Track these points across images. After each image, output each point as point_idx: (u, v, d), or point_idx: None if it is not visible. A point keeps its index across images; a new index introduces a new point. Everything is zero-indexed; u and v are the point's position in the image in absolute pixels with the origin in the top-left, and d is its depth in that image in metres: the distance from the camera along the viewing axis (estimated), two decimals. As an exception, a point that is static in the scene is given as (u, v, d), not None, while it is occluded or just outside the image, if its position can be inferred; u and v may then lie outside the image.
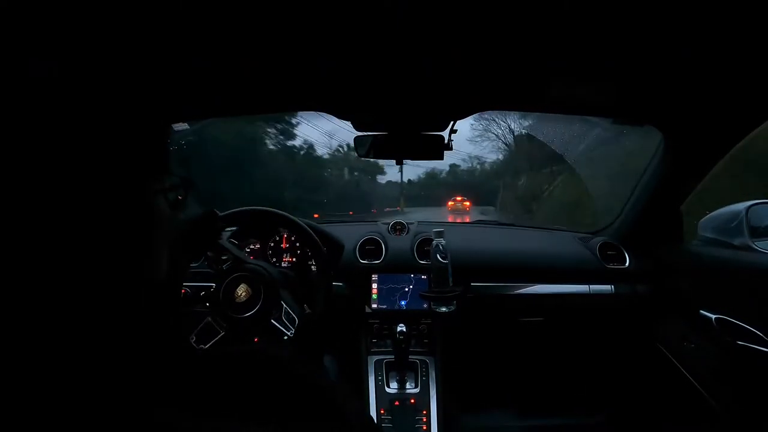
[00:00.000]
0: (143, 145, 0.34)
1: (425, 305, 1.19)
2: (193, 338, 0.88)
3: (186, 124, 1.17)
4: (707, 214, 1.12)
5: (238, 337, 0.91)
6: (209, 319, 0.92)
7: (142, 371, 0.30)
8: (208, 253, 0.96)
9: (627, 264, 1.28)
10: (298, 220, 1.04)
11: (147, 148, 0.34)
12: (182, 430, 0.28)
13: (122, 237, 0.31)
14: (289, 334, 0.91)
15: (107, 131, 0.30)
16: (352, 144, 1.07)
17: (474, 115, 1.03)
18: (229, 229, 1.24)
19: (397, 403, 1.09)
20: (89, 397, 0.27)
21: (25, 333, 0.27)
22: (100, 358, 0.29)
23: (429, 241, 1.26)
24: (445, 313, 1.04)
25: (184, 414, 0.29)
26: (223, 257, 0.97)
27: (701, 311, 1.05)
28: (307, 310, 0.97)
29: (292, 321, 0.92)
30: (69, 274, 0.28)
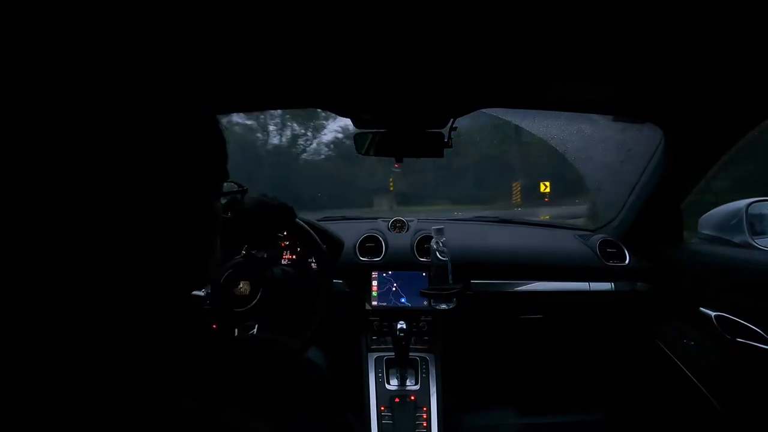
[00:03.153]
0: (209, 149, 0.34)
1: (425, 302, 1.20)
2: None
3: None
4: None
5: (267, 324, 0.93)
6: (237, 329, 0.93)
7: (170, 361, 0.31)
8: (280, 234, 1.05)
9: (627, 261, 1.28)
10: (298, 219, 1.04)
11: (212, 152, 0.35)
12: (203, 418, 0.29)
13: (185, 242, 0.32)
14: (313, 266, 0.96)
15: (160, 134, 0.30)
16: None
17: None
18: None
19: (397, 400, 1.10)
20: (123, 384, 0.28)
21: (77, 324, 0.28)
22: (138, 350, 0.30)
23: (429, 238, 1.26)
24: (445, 310, 1.05)
25: (203, 403, 0.30)
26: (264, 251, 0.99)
27: (701, 309, 1.06)
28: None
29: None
30: (127, 273, 0.29)
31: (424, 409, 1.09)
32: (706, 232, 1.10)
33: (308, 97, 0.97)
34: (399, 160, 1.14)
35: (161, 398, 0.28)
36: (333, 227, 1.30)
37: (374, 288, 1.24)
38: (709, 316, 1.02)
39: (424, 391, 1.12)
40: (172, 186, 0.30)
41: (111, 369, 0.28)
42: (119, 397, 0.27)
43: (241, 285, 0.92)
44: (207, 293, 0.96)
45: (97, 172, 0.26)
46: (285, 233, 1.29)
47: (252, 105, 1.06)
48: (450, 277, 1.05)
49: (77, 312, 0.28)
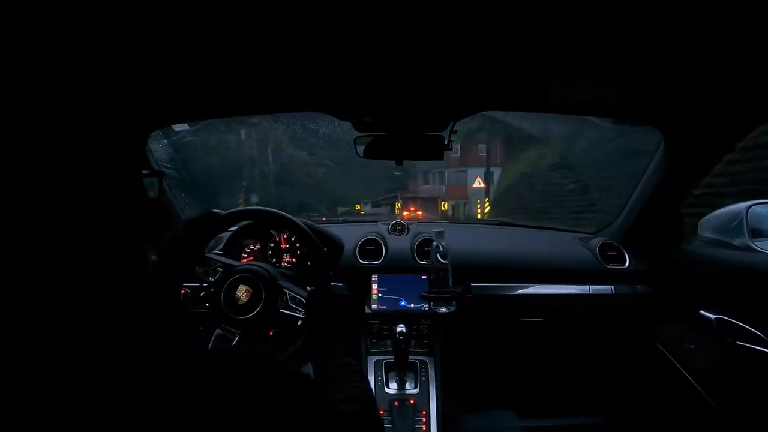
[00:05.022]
0: (126, 143, 0.35)
1: (425, 306, 1.19)
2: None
3: (186, 124, 1.17)
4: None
5: (250, 337, 0.91)
6: (219, 331, 0.92)
7: (142, 369, 0.31)
8: (197, 269, 0.95)
9: (627, 264, 1.28)
10: (297, 220, 1.04)
11: (130, 146, 0.35)
12: (201, 419, 0.29)
13: (108, 230, 0.32)
14: (300, 315, 0.91)
15: (94, 130, 0.30)
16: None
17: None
18: (230, 229, 1.24)
19: (396, 403, 1.09)
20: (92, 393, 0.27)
21: (27, 330, 0.27)
22: (99, 353, 0.30)
23: (429, 241, 1.26)
24: (445, 313, 1.04)
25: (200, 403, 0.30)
26: (215, 268, 0.96)
27: (701, 311, 1.05)
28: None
29: (299, 303, 0.92)
30: (61, 270, 0.28)
31: (424, 412, 1.08)
32: (706, 234, 1.10)
33: (309, 100, 0.97)
34: (399, 163, 1.14)
35: (160, 398, 0.28)
36: (333, 230, 1.30)
37: (374, 291, 1.24)
38: (710, 318, 1.02)
39: (424, 395, 1.11)
40: (91, 171, 0.31)
41: (95, 369, 0.28)
42: (117, 397, 0.27)
43: (241, 292, 0.91)
44: (206, 295, 0.95)
45: (20, 164, 0.26)
46: (285, 235, 1.29)
47: (252, 108, 1.06)
48: (450, 280, 1.05)
49: (58, 313, 0.27)
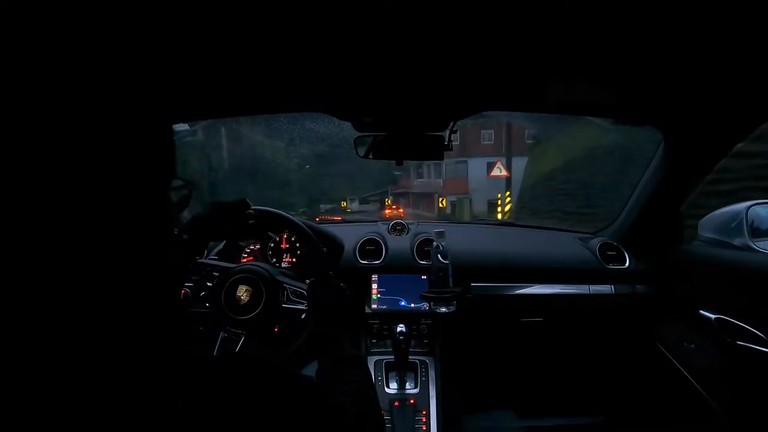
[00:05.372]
0: (152, 147, 0.35)
1: (425, 306, 1.19)
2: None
3: (186, 124, 1.17)
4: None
5: (255, 336, 0.91)
6: (224, 334, 0.91)
7: (142, 369, 0.31)
8: (193, 277, 0.95)
9: (627, 264, 1.28)
10: (297, 220, 1.04)
11: (156, 150, 0.35)
12: (201, 419, 0.29)
13: (133, 239, 0.32)
14: (303, 308, 0.91)
15: (119, 134, 0.31)
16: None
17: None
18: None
19: (396, 403, 1.09)
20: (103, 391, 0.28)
21: (28, 328, 0.27)
22: (100, 353, 0.30)
23: (429, 241, 1.26)
24: (445, 313, 1.04)
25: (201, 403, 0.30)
26: (211, 273, 0.96)
27: (701, 311, 1.05)
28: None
29: (301, 296, 0.92)
30: (86, 274, 0.29)
31: (424, 412, 1.08)
32: (706, 234, 1.10)
33: (309, 100, 0.97)
34: (399, 163, 1.14)
35: (160, 398, 0.29)
36: (333, 230, 1.30)
37: (374, 291, 1.24)
38: (710, 318, 1.02)
39: (424, 395, 1.11)
40: (125, 179, 0.31)
41: (103, 368, 0.28)
42: (118, 396, 0.27)
43: (241, 292, 0.91)
44: (196, 295, 0.95)
45: (56, 169, 0.27)
46: (285, 235, 1.29)
47: (252, 108, 1.06)
48: (450, 280, 1.05)
49: (60, 312, 0.27)
